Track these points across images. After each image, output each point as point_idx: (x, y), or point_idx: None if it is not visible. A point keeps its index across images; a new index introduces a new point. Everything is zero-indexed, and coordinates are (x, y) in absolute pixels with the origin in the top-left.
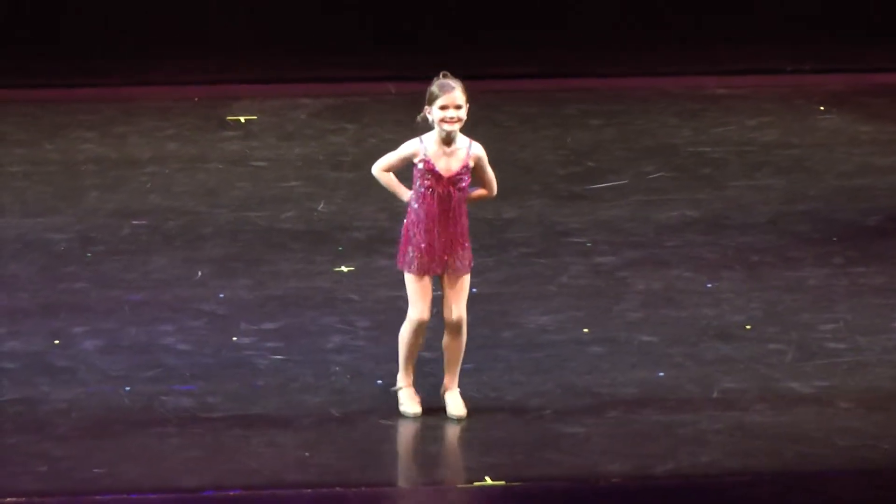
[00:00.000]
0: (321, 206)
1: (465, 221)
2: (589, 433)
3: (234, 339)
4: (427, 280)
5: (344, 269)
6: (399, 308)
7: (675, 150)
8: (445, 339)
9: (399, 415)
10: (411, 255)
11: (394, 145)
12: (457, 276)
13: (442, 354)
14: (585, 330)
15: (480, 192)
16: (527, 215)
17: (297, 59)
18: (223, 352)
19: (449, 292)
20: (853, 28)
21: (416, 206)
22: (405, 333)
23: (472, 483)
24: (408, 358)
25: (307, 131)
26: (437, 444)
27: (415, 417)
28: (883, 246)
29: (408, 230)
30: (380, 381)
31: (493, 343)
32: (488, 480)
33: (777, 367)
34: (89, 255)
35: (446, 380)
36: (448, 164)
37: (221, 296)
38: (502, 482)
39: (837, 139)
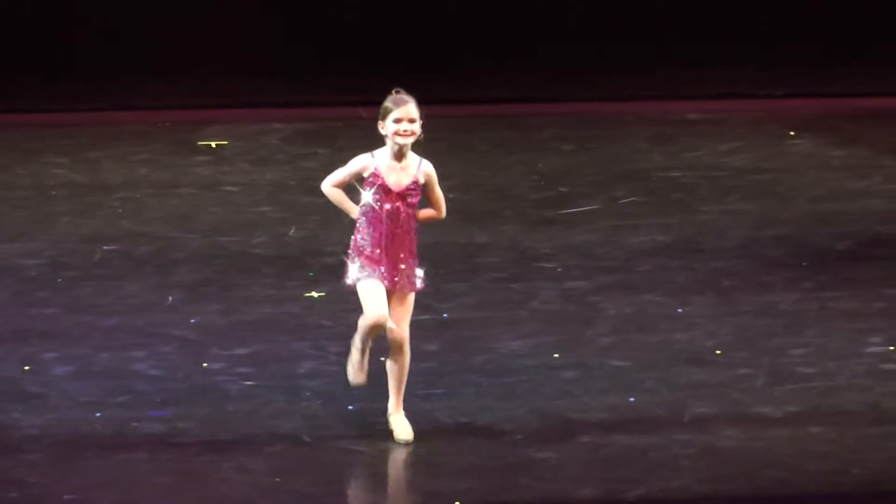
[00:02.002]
0: (292, 231)
1: (413, 238)
2: (560, 458)
3: (206, 364)
4: (380, 287)
5: (315, 294)
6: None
7: (647, 174)
8: (389, 362)
9: (370, 440)
10: (360, 266)
11: None
12: (403, 293)
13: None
14: (556, 355)
15: (429, 212)
16: (499, 240)
17: (269, 85)
18: (194, 377)
19: (393, 310)
20: (824, 53)
21: (365, 221)
22: (360, 336)
23: None
24: (362, 351)
25: (279, 156)
26: (408, 469)
27: (356, 385)
28: (853, 270)
29: (355, 243)
30: (351, 407)
31: (465, 368)
32: None
33: (748, 391)
34: (61, 280)
35: (391, 403)
36: (398, 179)
37: (193, 321)
38: None
39: (808, 164)
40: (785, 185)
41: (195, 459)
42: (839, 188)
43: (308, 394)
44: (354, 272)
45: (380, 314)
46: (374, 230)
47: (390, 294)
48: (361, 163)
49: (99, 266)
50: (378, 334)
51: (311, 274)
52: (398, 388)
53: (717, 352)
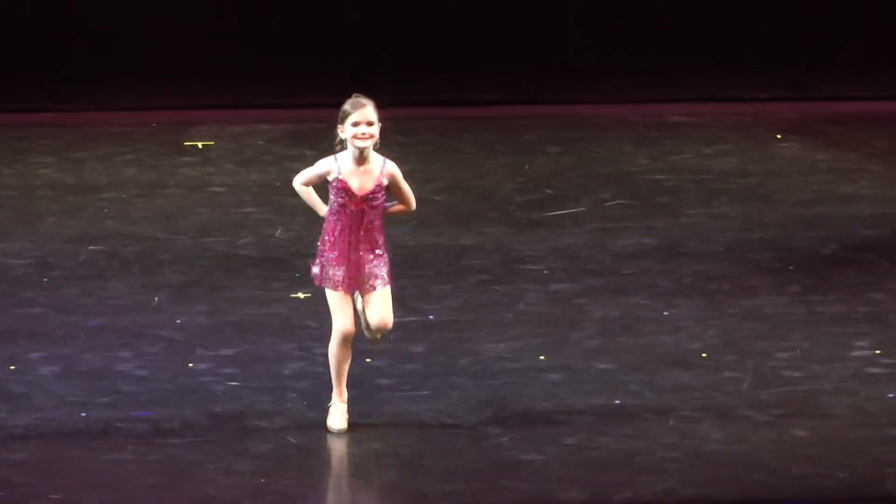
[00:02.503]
0: (278, 232)
1: (377, 237)
2: (546, 461)
3: (192, 365)
4: (346, 294)
5: (301, 295)
6: (356, 334)
7: (633, 177)
8: (368, 334)
9: (356, 442)
10: (328, 271)
11: None
12: (374, 291)
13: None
14: (542, 357)
15: (398, 207)
16: (484, 242)
17: (256, 85)
18: (180, 378)
19: (372, 304)
20: (810, 57)
21: (331, 221)
22: (333, 347)
23: None
24: (338, 373)
25: (265, 157)
26: (394, 471)
27: (339, 433)
28: (839, 274)
29: (322, 245)
30: None
31: (450, 370)
32: None
33: (734, 394)
34: (47, 280)
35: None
36: (362, 183)
37: (179, 322)
38: None
39: (795, 167)
40: (771, 188)
41: (181, 460)
42: (825, 192)
43: (293, 395)
44: (323, 276)
45: (347, 327)
46: (339, 232)
47: (363, 294)
48: (325, 167)
49: (85, 266)
50: (349, 346)
51: (297, 275)
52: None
53: (703, 355)
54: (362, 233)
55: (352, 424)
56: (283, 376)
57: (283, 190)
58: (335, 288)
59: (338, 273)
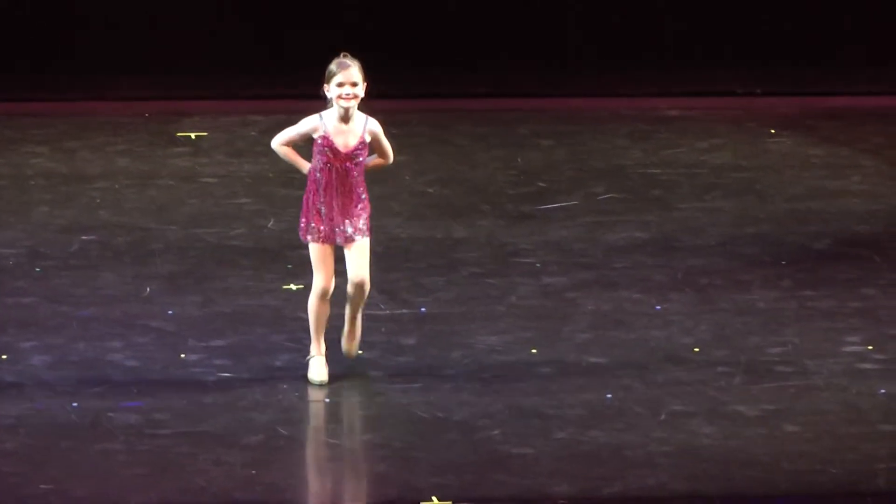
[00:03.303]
0: (271, 223)
1: (360, 191)
2: (537, 454)
3: (183, 355)
4: (328, 249)
5: (293, 286)
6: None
7: (626, 171)
8: (348, 297)
9: (346, 433)
10: (312, 225)
11: None
12: (354, 242)
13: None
14: (534, 351)
15: (377, 160)
16: (476, 235)
17: (248, 76)
18: (171, 368)
19: (350, 257)
20: (804, 52)
21: (316, 177)
22: (312, 302)
23: (419, 503)
24: (317, 327)
25: (257, 148)
26: (384, 463)
27: (321, 384)
28: (832, 269)
29: (307, 201)
30: (328, 400)
31: (442, 363)
32: (435, 501)
33: (725, 389)
34: (38, 269)
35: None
36: (346, 140)
37: (170, 312)
38: (449, 503)
39: (788, 162)
40: (764, 183)
41: (171, 450)
42: (818, 187)
43: (285, 386)
44: (307, 230)
45: (327, 284)
46: (324, 190)
47: (345, 246)
48: (310, 124)
49: (76, 256)
50: (327, 302)
51: (289, 266)
52: (351, 319)
53: (695, 349)
54: (345, 188)
55: (343, 417)
56: (275, 368)
57: (276, 181)
58: (317, 241)
59: (321, 227)
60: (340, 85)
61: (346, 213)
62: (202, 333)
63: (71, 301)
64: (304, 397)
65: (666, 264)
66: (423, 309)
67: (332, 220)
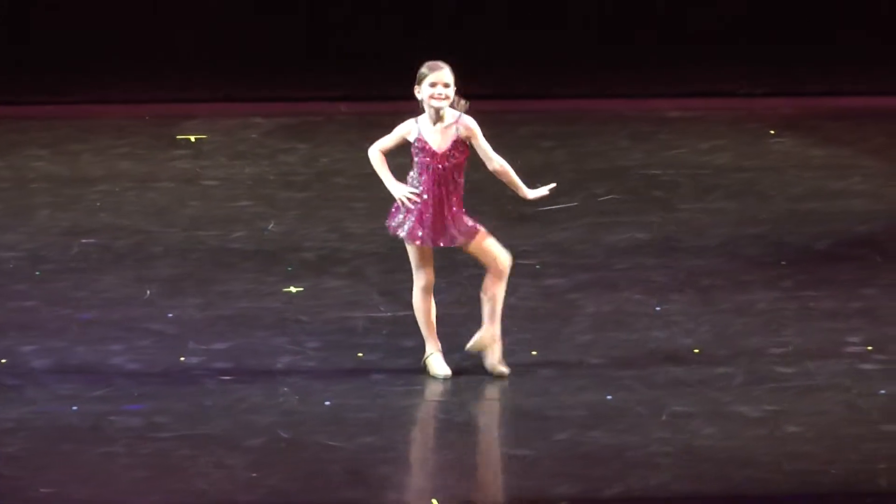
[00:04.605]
0: (271, 226)
1: (460, 193)
2: (538, 456)
3: (183, 358)
4: (427, 250)
5: (293, 289)
6: (348, 329)
7: (627, 172)
8: (486, 283)
9: (347, 436)
10: (409, 225)
11: (345, 165)
12: (469, 243)
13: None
14: (534, 352)
15: (513, 181)
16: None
17: (249, 79)
18: (172, 371)
19: (477, 254)
20: (805, 52)
21: (415, 182)
22: (416, 301)
23: None
24: (427, 324)
25: (258, 151)
26: (385, 465)
27: (445, 379)
28: (832, 270)
29: (402, 204)
30: (328, 403)
31: None
32: (435, 503)
33: (726, 390)
34: (39, 273)
35: (484, 329)
36: (441, 142)
37: (171, 315)
38: None
39: (789, 163)
40: (765, 183)
41: (172, 454)
42: (819, 187)
43: (285, 389)
44: (404, 230)
45: (428, 280)
46: (424, 190)
47: (463, 247)
48: (406, 127)
49: (77, 259)
50: (431, 298)
51: (289, 269)
52: (491, 316)
53: (696, 350)
54: (445, 191)
55: (343, 419)
56: (276, 370)
57: (276, 183)
58: (414, 242)
59: (419, 228)
60: (433, 85)
61: (448, 217)
62: (203, 336)
63: (72, 304)
64: (304, 400)
65: (667, 265)
66: None
67: (432, 221)
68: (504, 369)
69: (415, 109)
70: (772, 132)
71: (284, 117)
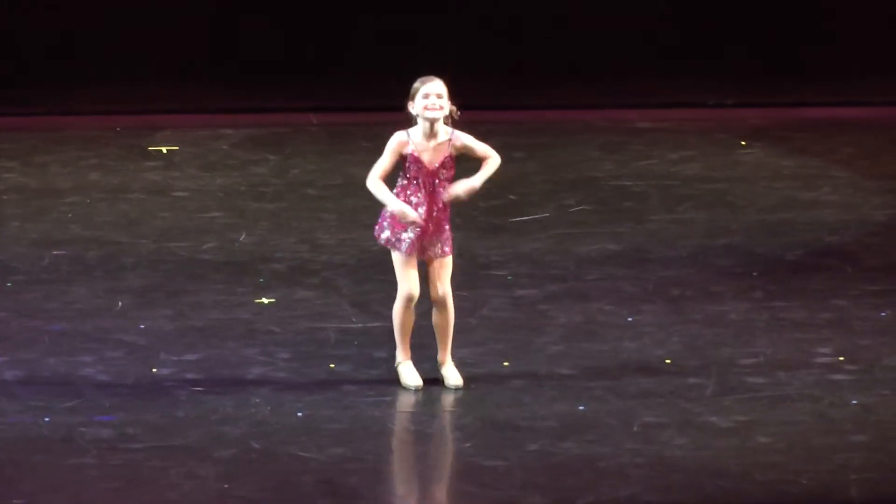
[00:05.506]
0: (242, 237)
1: (447, 209)
2: (509, 466)
3: (155, 369)
4: (413, 259)
5: (265, 300)
6: (320, 340)
7: (598, 183)
8: (434, 317)
9: (318, 447)
10: (398, 233)
11: (316, 176)
12: (440, 259)
13: (433, 331)
14: (506, 363)
15: (488, 166)
16: None
17: (219, 90)
18: (143, 382)
19: (433, 273)
20: (775, 63)
21: (402, 188)
22: (397, 309)
23: None
24: (402, 333)
25: (229, 162)
26: (356, 476)
27: (416, 389)
28: (803, 280)
29: (392, 217)
30: (300, 414)
31: None
32: None
33: (697, 401)
34: (10, 284)
35: (440, 355)
36: (432, 157)
37: (142, 326)
38: None
39: (759, 173)
40: (735, 194)
41: (144, 465)
42: (789, 198)
43: (257, 400)
44: (393, 240)
45: (412, 292)
46: (413, 203)
47: (430, 261)
48: (398, 139)
49: (48, 271)
50: (412, 310)
51: (260, 280)
52: (445, 341)
53: (667, 361)
54: (434, 205)
55: (315, 430)
56: (247, 381)
57: (247, 195)
58: (401, 250)
59: (407, 236)
60: (426, 96)
61: (436, 231)
62: (174, 347)
63: (42, 315)
64: (276, 411)
65: (637, 276)
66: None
67: (422, 234)
68: (460, 382)
69: (389, 121)
70: (742, 143)
71: (255, 128)
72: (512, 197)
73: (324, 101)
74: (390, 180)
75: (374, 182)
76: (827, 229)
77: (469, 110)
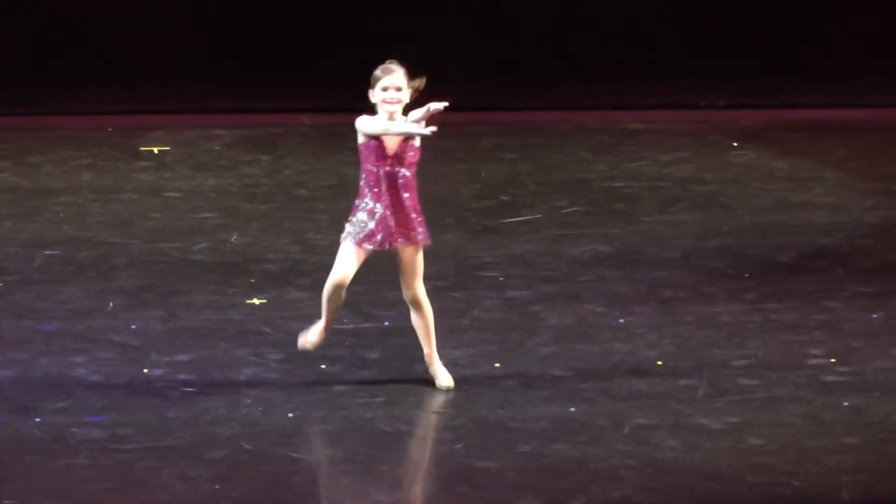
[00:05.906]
0: (234, 237)
1: (414, 196)
2: (501, 468)
3: (146, 370)
4: (360, 251)
5: (256, 301)
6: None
7: (590, 184)
8: (412, 317)
9: (309, 448)
10: (364, 223)
11: (308, 177)
12: (409, 248)
13: (415, 333)
14: (497, 364)
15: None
16: (440, 249)
17: (212, 91)
18: (135, 383)
19: (403, 270)
20: (768, 64)
21: (365, 184)
22: (327, 289)
23: None
24: (331, 312)
25: (221, 162)
26: (348, 477)
27: (301, 347)
28: (795, 282)
29: (356, 209)
30: (291, 414)
31: (406, 376)
32: None
33: (689, 402)
34: (1, 284)
35: (426, 354)
36: (393, 143)
37: (134, 327)
38: None
39: (751, 175)
40: (728, 196)
41: (135, 465)
42: (782, 199)
43: (248, 401)
44: (347, 229)
45: (343, 275)
46: (374, 193)
47: (397, 253)
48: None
49: (40, 271)
50: (339, 295)
51: (252, 281)
52: (428, 342)
53: (659, 362)
54: (398, 192)
55: (306, 431)
56: (239, 382)
57: (239, 195)
58: (357, 243)
59: (378, 232)
60: (385, 89)
61: (403, 219)
62: (166, 348)
63: (34, 316)
64: (267, 412)
65: (630, 277)
66: (386, 323)
67: (385, 223)
68: (451, 382)
69: None
70: (734, 144)
71: (247, 129)
72: (504, 198)
73: (316, 102)
74: (354, 174)
75: (364, 119)
76: (819, 231)
77: (461, 111)
